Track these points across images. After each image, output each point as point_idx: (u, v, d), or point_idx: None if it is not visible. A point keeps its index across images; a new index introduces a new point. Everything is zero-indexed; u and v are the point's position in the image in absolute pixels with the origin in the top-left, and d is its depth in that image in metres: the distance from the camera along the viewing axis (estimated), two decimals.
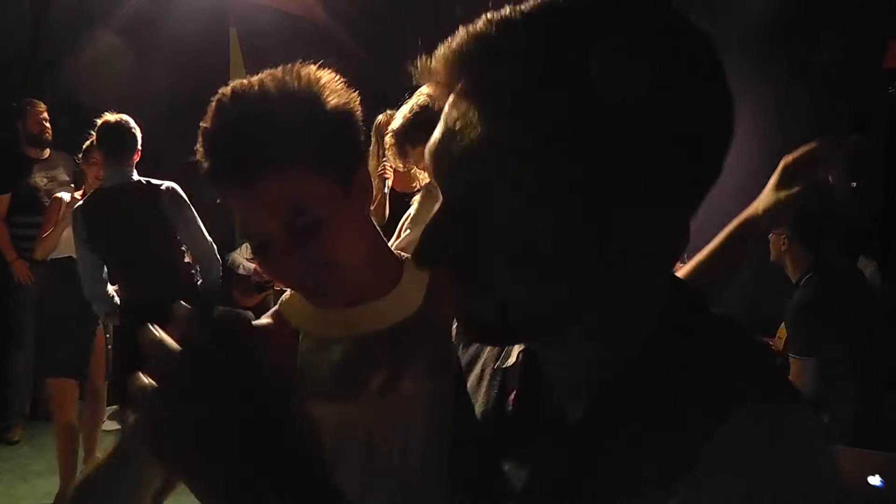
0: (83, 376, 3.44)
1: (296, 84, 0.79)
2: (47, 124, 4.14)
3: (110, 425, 4.29)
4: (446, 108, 0.54)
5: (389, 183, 3.81)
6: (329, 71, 0.83)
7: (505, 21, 0.53)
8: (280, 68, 0.81)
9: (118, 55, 4.81)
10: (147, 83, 4.96)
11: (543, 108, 0.50)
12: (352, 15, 5.51)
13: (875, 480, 2.27)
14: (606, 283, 0.54)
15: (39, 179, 4.15)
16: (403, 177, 3.91)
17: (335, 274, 0.78)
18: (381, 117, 3.85)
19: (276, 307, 0.90)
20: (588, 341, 0.58)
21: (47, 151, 4.21)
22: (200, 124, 0.81)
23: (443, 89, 0.55)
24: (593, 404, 0.57)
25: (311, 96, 0.79)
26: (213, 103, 0.80)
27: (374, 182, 3.84)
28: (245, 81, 0.79)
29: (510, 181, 0.51)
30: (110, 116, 2.96)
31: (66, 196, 3.48)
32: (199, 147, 0.80)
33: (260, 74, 0.80)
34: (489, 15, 0.54)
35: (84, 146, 3.42)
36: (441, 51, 0.55)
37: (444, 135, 0.54)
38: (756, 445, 0.50)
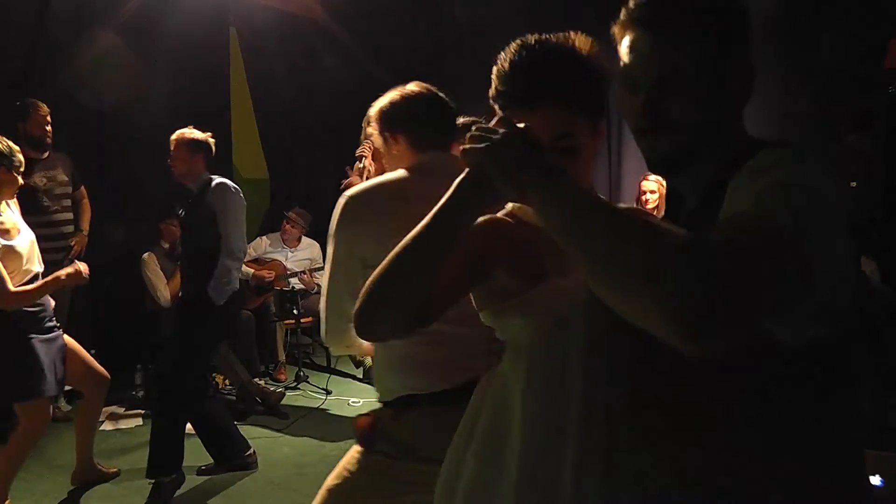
0: (60, 389, 3.32)
1: (578, 45, 1.09)
2: (48, 127, 4.13)
3: (111, 425, 4.30)
4: (629, 40, 0.99)
5: (367, 162, 3.78)
6: (591, 41, 1.12)
7: None
8: (569, 34, 1.11)
9: (118, 55, 4.81)
10: (147, 83, 4.97)
11: (698, 27, 0.95)
12: (352, 15, 5.51)
13: (875, 480, 2.27)
14: (724, 118, 0.98)
15: (39, 180, 4.15)
16: (377, 165, 3.90)
17: None
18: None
19: (507, 210, 1.20)
20: (708, 161, 0.98)
21: (47, 152, 4.21)
22: (500, 62, 1.10)
23: (624, 31, 1.00)
24: (701, 197, 1.00)
25: (586, 55, 1.09)
26: (517, 45, 1.09)
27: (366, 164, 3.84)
28: (539, 36, 1.09)
29: (684, 66, 0.94)
30: (198, 132, 3.54)
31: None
32: (498, 77, 1.09)
33: (549, 35, 1.10)
34: None
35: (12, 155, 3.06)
36: (627, 15, 1.00)
37: (641, 62, 0.98)
38: (771, 162, 0.89)
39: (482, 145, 0.94)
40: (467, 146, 0.96)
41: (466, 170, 0.99)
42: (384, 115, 1.87)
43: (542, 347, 1.09)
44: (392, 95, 1.87)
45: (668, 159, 0.99)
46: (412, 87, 1.88)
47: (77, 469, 3.45)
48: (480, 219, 1.15)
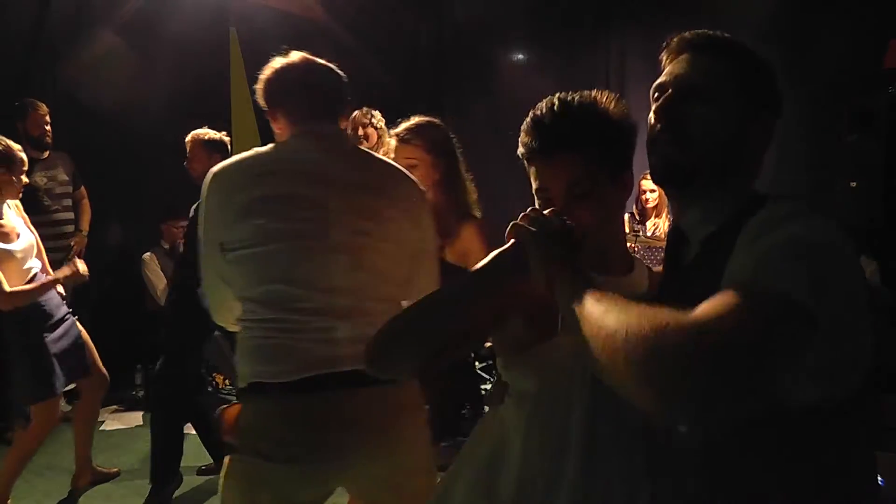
0: (83, 375, 3.37)
1: (600, 100, 1.16)
2: (48, 127, 4.14)
3: (111, 425, 4.30)
4: (673, 64, 1.07)
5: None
6: (618, 99, 1.19)
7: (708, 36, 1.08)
8: (593, 91, 1.18)
9: (118, 55, 4.81)
10: (147, 83, 4.97)
11: (726, 66, 1.04)
12: (352, 15, 5.51)
13: None
14: (737, 161, 1.03)
15: (39, 179, 4.15)
16: None
17: (591, 236, 1.08)
18: (356, 113, 3.81)
19: None
20: (712, 200, 1.03)
21: (47, 152, 4.21)
22: (526, 119, 1.18)
23: (671, 56, 1.08)
24: (700, 248, 1.05)
25: (604, 108, 1.16)
26: (543, 102, 1.16)
27: None
28: (565, 93, 1.17)
29: (712, 83, 1.02)
30: (213, 132, 3.48)
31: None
32: (523, 131, 1.17)
33: (579, 92, 1.18)
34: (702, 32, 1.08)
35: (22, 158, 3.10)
36: (678, 39, 1.08)
37: (675, 70, 1.06)
38: (775, 219, 0.91)
39: (532, 229, 1.04)
40: (519, 223, 1.06)
41: (512, 241, 1.08)
42: (263, 95, 1.75)
43: (547, 398, 1.16)
44: (267, 73, 1.74)
45: (674, 167, 1.03)
46: (290, 58, 1.74)
47: (76, 472, 3.46)
48: None
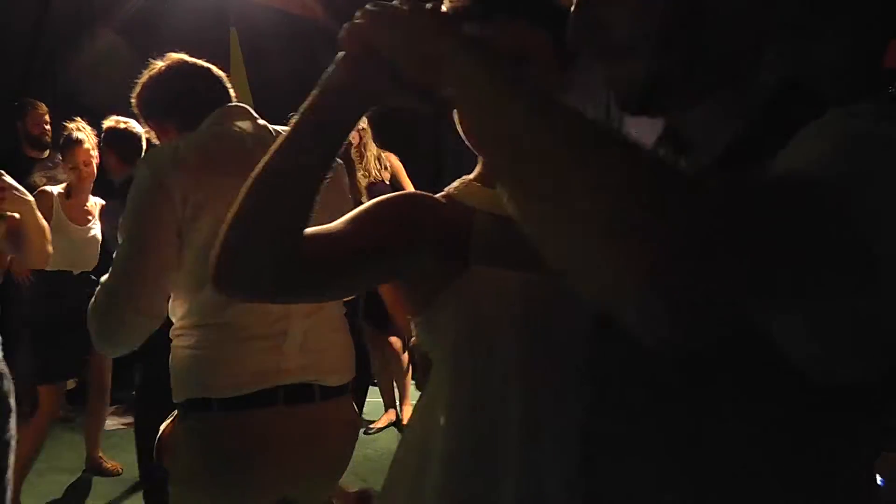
0: (79, 375, 3.42)
1: None
2: (47, 126, 4.15)
3: (111, 424, 4.29)
4: None
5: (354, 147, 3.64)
6: None
7: None
8: None
9: (118, 55, 4.81)
10: None
11: None
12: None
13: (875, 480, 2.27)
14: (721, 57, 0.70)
15: (38, 179, 4.14)
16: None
17: None
18: None
19: (444, 192, 1.03)
20: (720, 106, 0.69)
21: (47, 151, 4.22)
22: None
23: None
24: (725, 150, 0.68)
25: None
26: None
27: None
28: None
29: None
30: (123, 121, 3.24)
31: (55, 190, 3.37)
32: None
33: None
34: None
35: (77, 137, 3.30)
36: None
37: None
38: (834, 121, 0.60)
39: (380, 17, 0.74)
40: (354, 22, 0.77)
41: (343, 54, 0.80)
42: (143, 108, 1.60)
43: (467, 350, 0.95)
44: (143, 81, 1.58)
45: (628, 91, 0.70)
46: (168, 62, 1.59)
47: (87, 458, 3.58)
48: (409, 192, 1.06)
